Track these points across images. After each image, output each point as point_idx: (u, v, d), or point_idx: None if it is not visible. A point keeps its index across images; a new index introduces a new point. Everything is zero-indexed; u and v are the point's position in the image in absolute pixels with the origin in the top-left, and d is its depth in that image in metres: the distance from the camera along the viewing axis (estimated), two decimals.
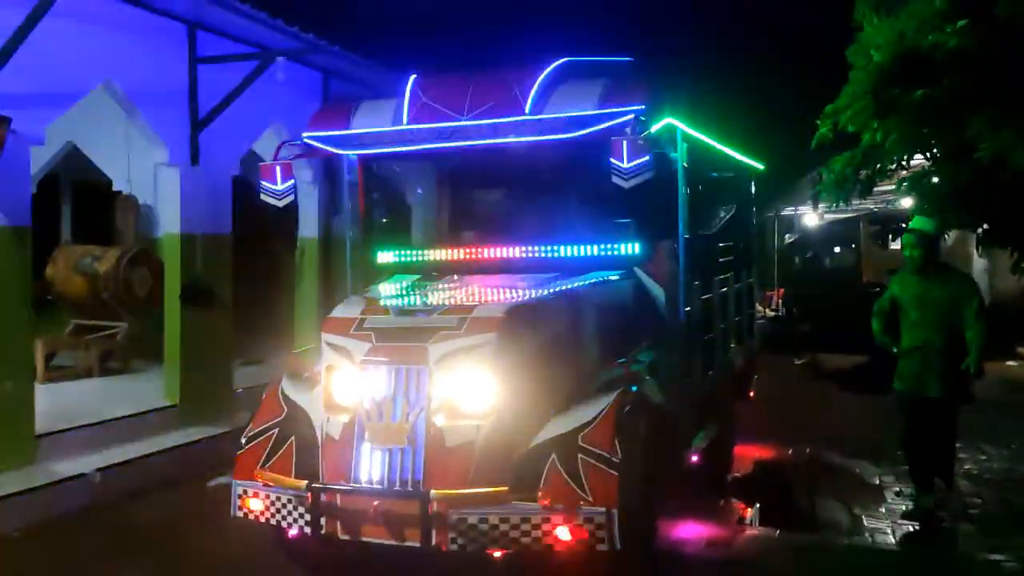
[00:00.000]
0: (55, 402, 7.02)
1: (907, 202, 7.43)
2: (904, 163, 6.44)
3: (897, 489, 5.89)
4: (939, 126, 5.33)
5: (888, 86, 5.53)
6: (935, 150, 6.12)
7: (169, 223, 7.63)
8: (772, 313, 19.21)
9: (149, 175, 8.65)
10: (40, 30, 5.58)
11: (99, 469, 5.96)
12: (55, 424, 6.31)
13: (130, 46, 6.87)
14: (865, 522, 5.29)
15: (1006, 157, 4.80)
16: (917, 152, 6.22)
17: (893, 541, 4.79)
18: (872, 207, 13.80)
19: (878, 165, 6.28)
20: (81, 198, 11.88)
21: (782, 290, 19.34)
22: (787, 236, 21.70)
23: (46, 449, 6.05)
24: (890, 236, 16.23)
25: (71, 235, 11.61)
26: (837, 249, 16.34)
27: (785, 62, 17.50)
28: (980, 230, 7.05)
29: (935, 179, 6.29)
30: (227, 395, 7.76)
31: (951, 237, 14.08)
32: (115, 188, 9.76)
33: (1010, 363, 12.00)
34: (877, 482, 6.16)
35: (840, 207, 9.08)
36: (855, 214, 14.17)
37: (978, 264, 14.10)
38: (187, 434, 7.00)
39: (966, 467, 6.46)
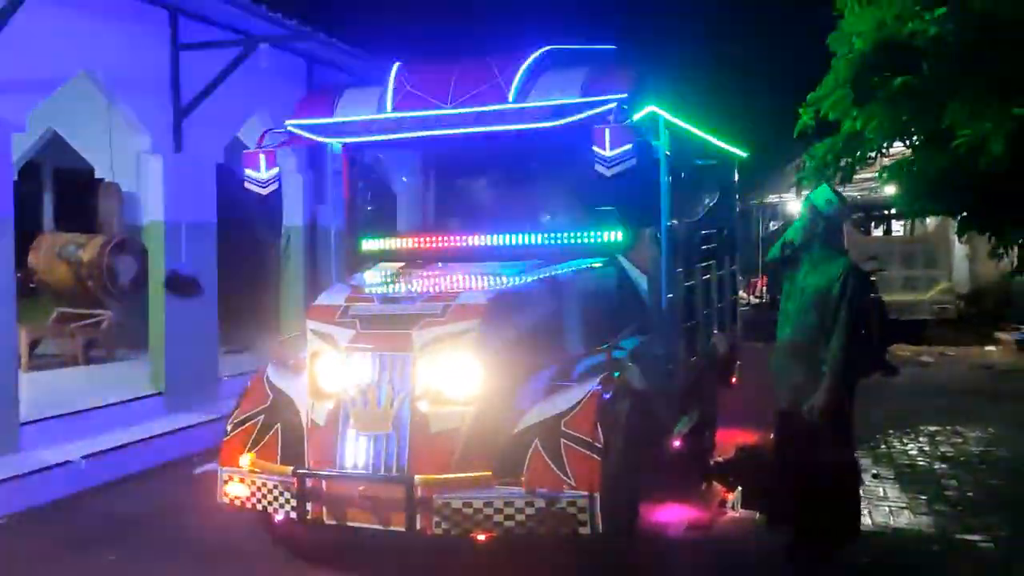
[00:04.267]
0: (40, 390, 7.01)
1: (889, 190, 7.49)
2: (884, 151, 6.50)
3: (874, 471, 5.99)
4: (918, 114, 5.38)
5: (869, 74, 5.57)
6: (915, 138, 6.19)
7: (153, 211, 7.60)
8: (756, 300, 19.36)
9: (132, 162, 8.63)
10: (20, 16, 5.54)
11: (85, 456, 5.97)
12: (40, 412, 6.30)
13: (112, 32, 6.83)
14: None
15: (984, 145, 4.86)
16: (897, 140, 6.28)
17: (870, 523, 4.87)
18: (855, 195, 13.92)
19: (858, 152, 6.34)
20: (63, 186, 11.78)
21: (766, 277, 19.48)
22: (771, 224, 21.84)
23: (31, 437, 6.05)
24: (872, 224, 16.44)
25: (53, 223, 11.53)
26: None
27: (769, 50, 17.57)
28: (959, 216, 7.13)
29: (914, 167, 6.35)
30: (212, 382, 7.77)
31: (931, 223, 14.35)
32: (97, 176, 9.70)
33: (989, 348, 12.19)
34: None
35: None
36: None
37: (959, 250, 14.30)
38: (173, 421, 7.01)
39: (942, 450, 6.58)
